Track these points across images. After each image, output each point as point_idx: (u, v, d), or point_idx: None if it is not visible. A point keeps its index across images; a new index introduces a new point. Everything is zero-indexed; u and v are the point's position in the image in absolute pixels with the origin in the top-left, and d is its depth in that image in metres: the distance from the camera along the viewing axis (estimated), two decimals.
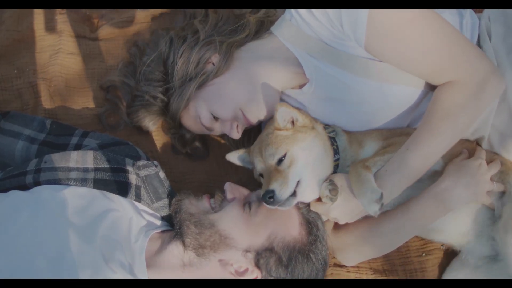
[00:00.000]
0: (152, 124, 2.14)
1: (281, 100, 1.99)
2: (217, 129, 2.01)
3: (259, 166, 1.78)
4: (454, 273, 1.94)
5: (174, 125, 2.07)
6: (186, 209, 1.72)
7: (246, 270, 1.61)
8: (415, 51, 1.69)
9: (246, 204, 1.70)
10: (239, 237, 1.63)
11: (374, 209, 1.63)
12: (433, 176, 1.81)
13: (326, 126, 1.91)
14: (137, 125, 2.15)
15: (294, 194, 1.69)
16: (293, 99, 2.00)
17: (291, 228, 1.67)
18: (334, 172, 1.82)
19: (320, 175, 1.76)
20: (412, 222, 1.81)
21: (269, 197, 1.63)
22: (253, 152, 1.84)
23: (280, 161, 1.71)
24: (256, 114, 1.92)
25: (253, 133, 2.09)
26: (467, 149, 1.88)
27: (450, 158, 1.84)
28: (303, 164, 1.71)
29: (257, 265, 1.61)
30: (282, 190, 1.65)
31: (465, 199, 1.77)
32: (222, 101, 1.90)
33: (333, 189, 1.70)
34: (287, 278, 1.62)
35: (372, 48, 1.71)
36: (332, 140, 1.85)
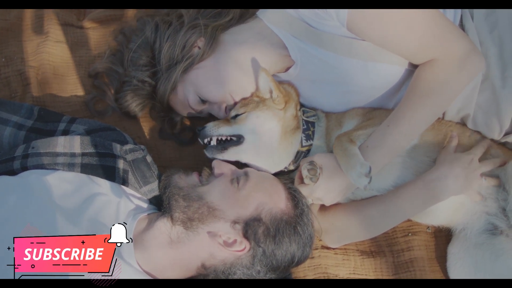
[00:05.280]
0: (140, 108, 2.14)
1: None
2: (205, 111, 2.03)
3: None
4: (455, 249, 1.93)
5: (162, 109, 2.08)
6: (175, 183, 1.73)
7: (235, 241, 1.61)
8: (397, 30, 1.70)
9: (234, 179, 1.71)
10: (227, 209, 1.64)
11: (363, 183, 1.64)
12: (412, 151, 1.82)
13: (309, 110, 1.94)
14: (125, 111, 2.15)
15: (224, 148, 1.85)
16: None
17: (278, 201, 1.69)
18: (305, 156, 1.85)
19: (264, 152, 1.85)
20: (400, 209, 1.81)
21: (199, 130, 1.89)
22: None
23: (235, 116, 1.87)
24: (243, 96, 1.92)
25: None
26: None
27: (435, 138, 1.86)
28: (251, 128, 1.83)
29: (245, 235, 1.61)
30: (213, 128, 1.87)
31: (454, 191, 1.77)
32: (209, 84, 1.92)
33: (312, 169, 1.72)
34: (275, 250, 1.63)
35: (354, 28, 1.73)
36: (310, 124, 1.88)
